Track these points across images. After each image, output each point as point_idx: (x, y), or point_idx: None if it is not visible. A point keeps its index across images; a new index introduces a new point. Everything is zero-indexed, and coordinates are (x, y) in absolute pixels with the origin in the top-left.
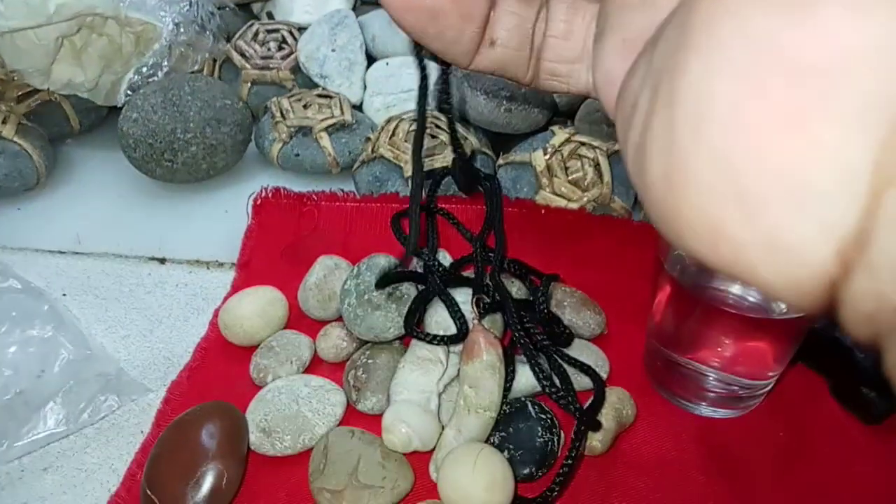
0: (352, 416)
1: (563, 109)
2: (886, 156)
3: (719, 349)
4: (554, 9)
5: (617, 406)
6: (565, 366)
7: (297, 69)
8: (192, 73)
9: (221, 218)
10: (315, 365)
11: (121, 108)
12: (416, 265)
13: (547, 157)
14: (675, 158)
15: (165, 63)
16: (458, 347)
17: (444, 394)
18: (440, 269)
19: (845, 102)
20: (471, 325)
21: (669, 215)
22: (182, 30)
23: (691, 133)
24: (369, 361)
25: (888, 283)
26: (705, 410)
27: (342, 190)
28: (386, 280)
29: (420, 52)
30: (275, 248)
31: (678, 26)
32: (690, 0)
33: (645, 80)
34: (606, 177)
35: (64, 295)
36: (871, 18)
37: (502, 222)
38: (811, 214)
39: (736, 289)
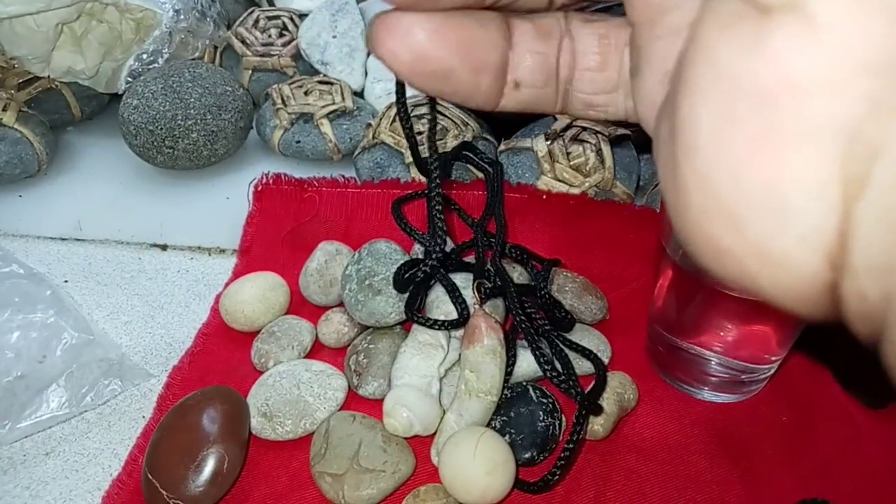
0: (353, 400)
1: None
2: (849, 169)
3: (722, 333)
4: (585, 42)
5: (619, 390)
6: (567, 350)
7: (298, 56)
8: (193, 59)
9: (223, 204)
10: (316, 350)
11: (121, 95)
12: (417, 251)
13: (549, 142)
14: (678, 185)
15: (166, 50)
16: (460, 332)
17: (445, 378)
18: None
19: (802, 124)
20: (472, 310)
21: (684, 237)
22: (182, 16)
23: (685, 162)
24: (370, 346)
25: (868, 283)
26: (708, 395)
27: (343, 176)
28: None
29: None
30: (276, 235)
31: (679, 63)
32: (688, 38)
33: (664, 113)
34: (608, 162)
35: (66, 281)
36: (814, 45)
37: (503, 207)
38: (791, 227)
39: None
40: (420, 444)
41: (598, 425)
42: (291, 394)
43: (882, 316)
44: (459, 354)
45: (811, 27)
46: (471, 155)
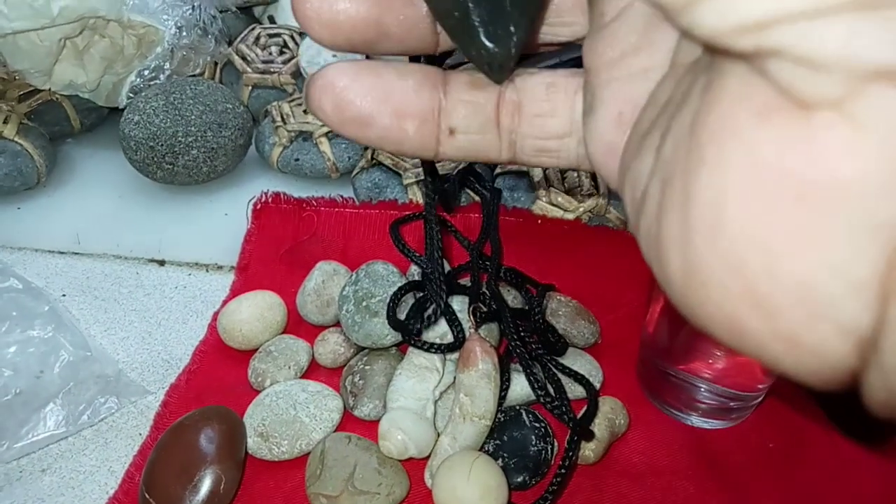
0: (349, 421)
1: None
2: (889, 273)
3: (711, 361)
4: (533, 92)
5: (610, 416)
6: (559, 375)
7: (298, 73)
8: (194, 76)
9: (221, 221)
10: (313, 370)
11: (122, 109)
12: (413, 272)
13: (544, 167)
14: (693, 261)
15: (167, 66)
16: (455, 355)
17: (439, 401)
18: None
19: (848, 223)
20: (467, 334)
21: (691, 307)
22: (184, 33)
23: (707, 241)
24: (366, 368)
25: None
26: (697, 421)
27: (341, 196)
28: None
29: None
30: (274, 253)
31: (687, 129)
32: (696, 105)
33: (655, 171)
34: (602, 188)
35: (63, 296)
36: (863, 152)
37: (498, 231)
38: (826, 319)
39: None
40: (414, 467)
41: (589, 450)
42: (288, 414)
43: None
44: (454, 378)
45: (861, 132)
46: (471, 179)
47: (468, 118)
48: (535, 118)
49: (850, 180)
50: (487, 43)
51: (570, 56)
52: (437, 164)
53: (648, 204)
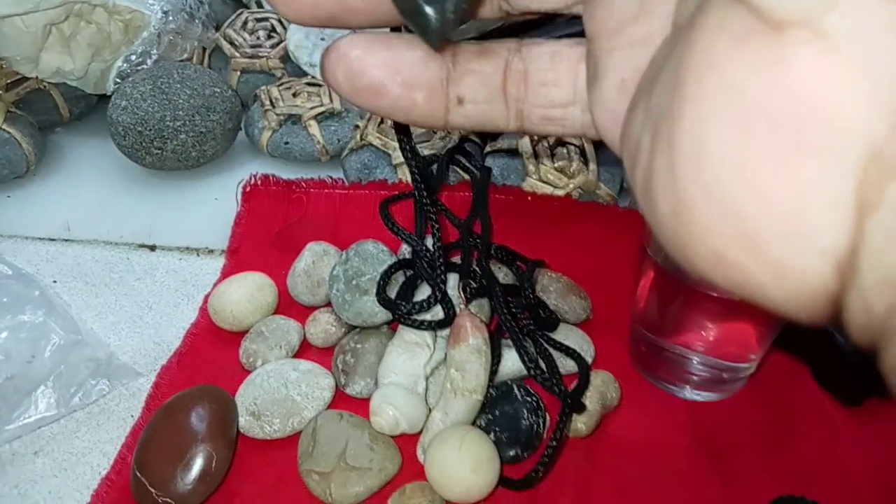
0: (340, 399)
1: None
2: (864, 187)
3: (703, 333)
4: (538, 61)
5: (601, 389)
6: (551, 350)
7: (286, 58)
8: (182, 61)
9: (211, 205)
10: (304, 350)
11: (110, 96)
12: (404, 251)
13: (534, 143)
14: (679, 198)
15: (154, 51)
16: (446, 332)
17: (431, 377)
18: (427, 254)
19: (823, 143)
20: (458, 310)
21: (680, 247)
22: (171, 18)
23: (690, 176)
24: (357, 346)
25: (874, 296)
26: (689, 393)
27: (331, 177)
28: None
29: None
30: (264, 235)
31: (672, 73)
32: (681, 48)
33: (645, 122)
34: (592, 164)
35: (54, 282)
36: (834, 66)
37: (487, 208)
38: (808, 242)
39: None
40: (406, 443)
41: (581, 423)
42: (279, 393)
43: (883, 326)
44: (445, 353)
45: (830, 46)
46: (460, 158)
47: (476, 88)
48: (539, 87)
49: (823, 101)
50: (425, 7)
51: (563, 33)
52: (436, 136)
53: (641, 155)
